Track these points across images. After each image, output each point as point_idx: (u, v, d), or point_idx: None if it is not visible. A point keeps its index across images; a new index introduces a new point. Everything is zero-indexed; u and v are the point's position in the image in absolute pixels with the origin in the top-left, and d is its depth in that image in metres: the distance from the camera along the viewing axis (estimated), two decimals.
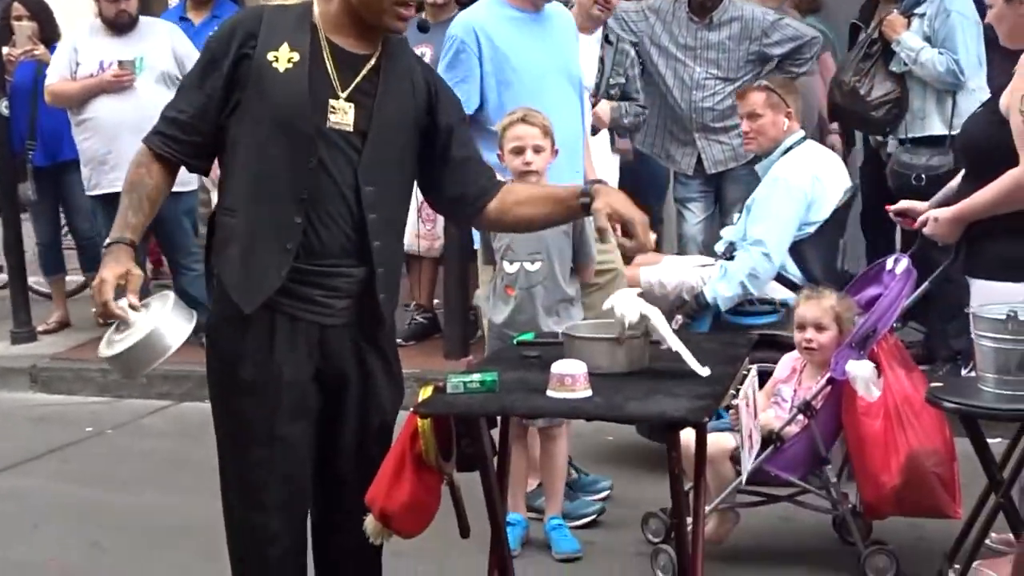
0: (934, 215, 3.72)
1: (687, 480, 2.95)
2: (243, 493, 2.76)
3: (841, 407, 3.90)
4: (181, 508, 4.61)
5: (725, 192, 6.05)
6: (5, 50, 6.89)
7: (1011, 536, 3.58)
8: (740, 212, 6.04)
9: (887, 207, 4.11)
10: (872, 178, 5.89)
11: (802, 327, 3.98)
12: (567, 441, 4.29)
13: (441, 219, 6.15)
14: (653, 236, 2.75)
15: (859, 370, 3.80)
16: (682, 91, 5.88)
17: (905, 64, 5.45)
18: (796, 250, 4.69)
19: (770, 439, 3.89)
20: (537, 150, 3.96)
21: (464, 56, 4.31)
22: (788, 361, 4.11)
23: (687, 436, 2.89)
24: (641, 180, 5.89)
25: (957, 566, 3.55)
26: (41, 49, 6.78)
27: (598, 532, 4.36)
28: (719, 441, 3.69)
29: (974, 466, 3.60)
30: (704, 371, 2.75)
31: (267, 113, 2.65)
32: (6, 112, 6.80)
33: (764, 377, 3.87)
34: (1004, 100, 3.55)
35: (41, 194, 6.94)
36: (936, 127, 5.45)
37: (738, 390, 2.93)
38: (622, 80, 5.41)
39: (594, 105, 5.24)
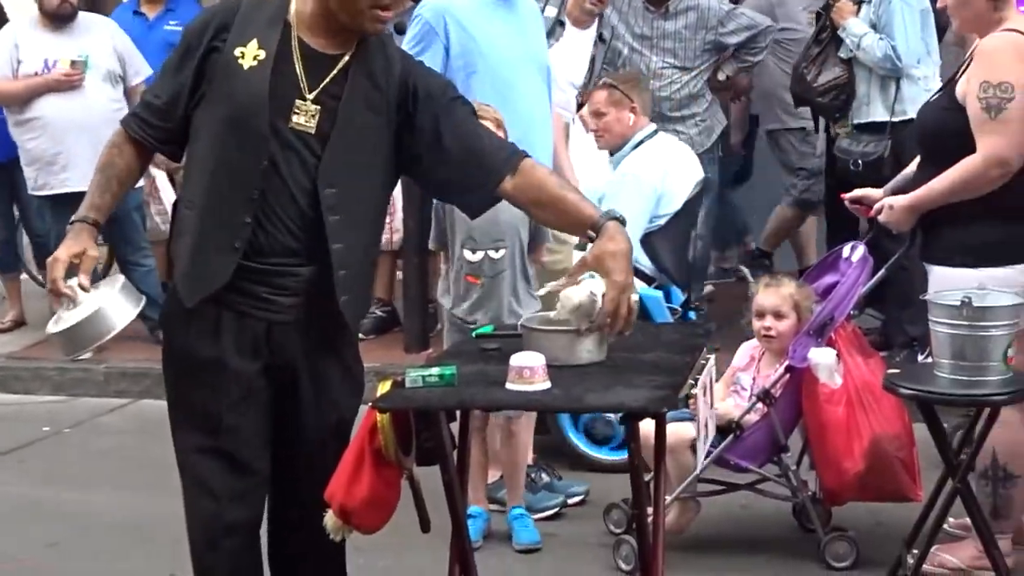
0: (889, 203, 3.74)
1: (647, 470, 2.96)
2: (197, 484, 2.76)
3: (800, 395, 3.92)
4: (141, 506, 4.57)
5: None
6: None
7: (968, 521, 3.61)
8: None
9: (841, 195, 4.14)
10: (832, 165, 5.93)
11: (761, 315, 4.00)
12: (529, 434, 4.29)
13: (399, 211, 6.13)
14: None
15: (822, 358, 3.83)
16: None
17: (851, 50, 5.48)
18: (647, 242, 4.76)
19: (729, 428, 3.91)
20: None
21: (428, 37, 4.30)
22: (747, 349, 4.13)
23: (647, 426, 2.89)
24: None
25: (915, 551, 3.58)
26: None
27: (561, 523, 4.36)
28: (679, 431, 3.71)
29: (932, 450, 3.62)
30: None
31: (226, 110, 2.64)
32: None
33: None
34: (961, 88, 3.57)
35: None
36: (879, 113, 5.48)
37: (697, 379, 2.94)
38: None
39: (580, 105, 5.23)
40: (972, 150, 3.51)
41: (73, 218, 2.73)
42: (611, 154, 4.96)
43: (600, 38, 5.36)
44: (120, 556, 4.23)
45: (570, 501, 4.48)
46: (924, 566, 3.57)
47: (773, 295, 3.99)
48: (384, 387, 2.70)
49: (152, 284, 6.19)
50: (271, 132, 2.62)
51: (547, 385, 2.63)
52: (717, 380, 4.06)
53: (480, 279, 4.03)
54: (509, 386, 2.64)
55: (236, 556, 2.77)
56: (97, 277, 2.81)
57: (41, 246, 6.88)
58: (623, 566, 3.89)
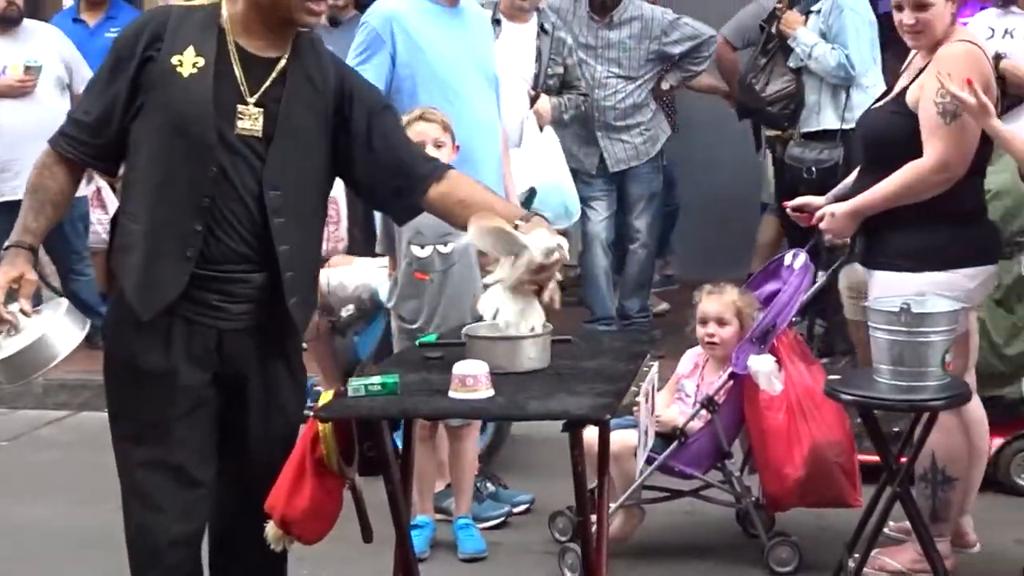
0: (830, 210, 3.77)
1: (591, 478, 2.96)
2: (141, 497, 2.72)
3: (743, 401, 3.95)
4: (81, 520, 4.51)
5: (628, 190, 6.11)
6: None
7: (908, 524, 3.66)
8: (643, 208, 6.12)
9: (783, 204, 4.17)
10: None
11: (704, 322, 4.02)
12: (475, 441, 4.28)
13: (345, 220, 6.10)
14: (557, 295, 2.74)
15: (761, 365, 3.85)
16: (584, 90, 5.92)
17: (801, 59, 5.55)
18: None
19: (674, 435, 3.93)
20: (438, 145, 3.96)
21: (375, 44, 4.29)
22: (691, 356, 4.15)
23: (591, 434, 2.89)
24: None
25: (857, 555, 3.61)
26: None
27: (507, 532, 4.36)
28: (624, 438, 3.70)
29: None
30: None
31: (168, 120, 2.62)
32: None
33: None
34: (913, 94, 3.60)
35: None
36: (830, 121, 5.56)
37: (640, 387, 2.95)
38: (560, 70, 5.42)
39: (535, 98, 5.24)
40: (916, 156, 3.55)
41: (7, 243, 2.67)
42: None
43: (542, 29, 5.37)
44: (59, 569, 4.17)
45: (515, 510, 4.47)
46: (865, 570, 3.61)
47: (716, 302, 4.01)
48: (326, 396, 2.69)
49: (92, 293, 6.12)
50: (217, 139, 2.61)
51: (490, 393, 2.63)
52: (662, 387, 4.10)
53: (429, 275, 4.02)
54: (452, 394, 2.63)
55: (178, 570, 2.74)
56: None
57: None
58: (568, 574, 3.89)
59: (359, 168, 2.80)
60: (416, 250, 4.03)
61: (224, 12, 2.68)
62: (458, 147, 4.06)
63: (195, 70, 2.62)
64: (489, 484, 4.51)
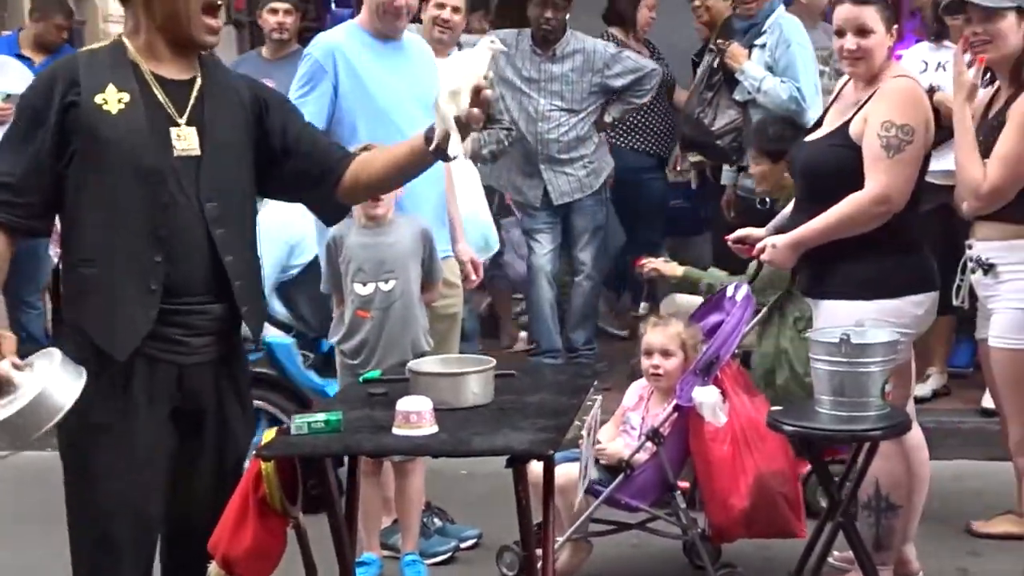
0: (771, 241, 3.81)
1: (537, 512, 2.96)
2: (94, 536, 2.69)
3: (688, 433, 3.96)
4: (22, 563, 4.42)
5: (572, 222, 6.14)
6: None
7: (851, 554, 3.68)
8: (588, 241, 6.14)
9: (725, 237, 4.20)
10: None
11: (649, 353, 4.04)
12: (421, 477, 4.26)
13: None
14: None
15: (705, 396, 3.87)
16: (527, 123, 5.96)
17: (749, 93, 5.60)
18: (283, 291, 4.90)
19: (620, 467, 3.93)
20: None
21: (318, 76, 4.29)
22: (636, 389, 4.16)
23: (536, 468, 2.90)
24: None
25: None
26: None
27: (454, 568, 4.33)
28: (568, 471, 3.69)
29: None
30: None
31: (109, 157, 2.62)
32: None
33: None
34: (856, 126, 3.65)
35: None
36: None
37: (584, 420, 2.96)
38: None
39: None
40: (856, 188, 3.60)
41: None
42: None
43: None
44: None
45: (463, 545, 4.45)
46: None
47: (661, 334, 4.03)
48: (269, 435, 2.68)
49: (39, 329, 6.03)
50: (162, 164, 2.64)
51: (434, 429, 2.63)
52: (607, 420, 4.11)
53: (370, 312, 4.01)
54: (396, 431, 2.63)
55: None
56: None
57: None
58: None
59: (281, 165, 2.87)
60: (358, 287, 4.02)
61: (129, 46, 2.72)
62: None
63: (122, 105, 2.65)
64: (436, 519, 4.49)
